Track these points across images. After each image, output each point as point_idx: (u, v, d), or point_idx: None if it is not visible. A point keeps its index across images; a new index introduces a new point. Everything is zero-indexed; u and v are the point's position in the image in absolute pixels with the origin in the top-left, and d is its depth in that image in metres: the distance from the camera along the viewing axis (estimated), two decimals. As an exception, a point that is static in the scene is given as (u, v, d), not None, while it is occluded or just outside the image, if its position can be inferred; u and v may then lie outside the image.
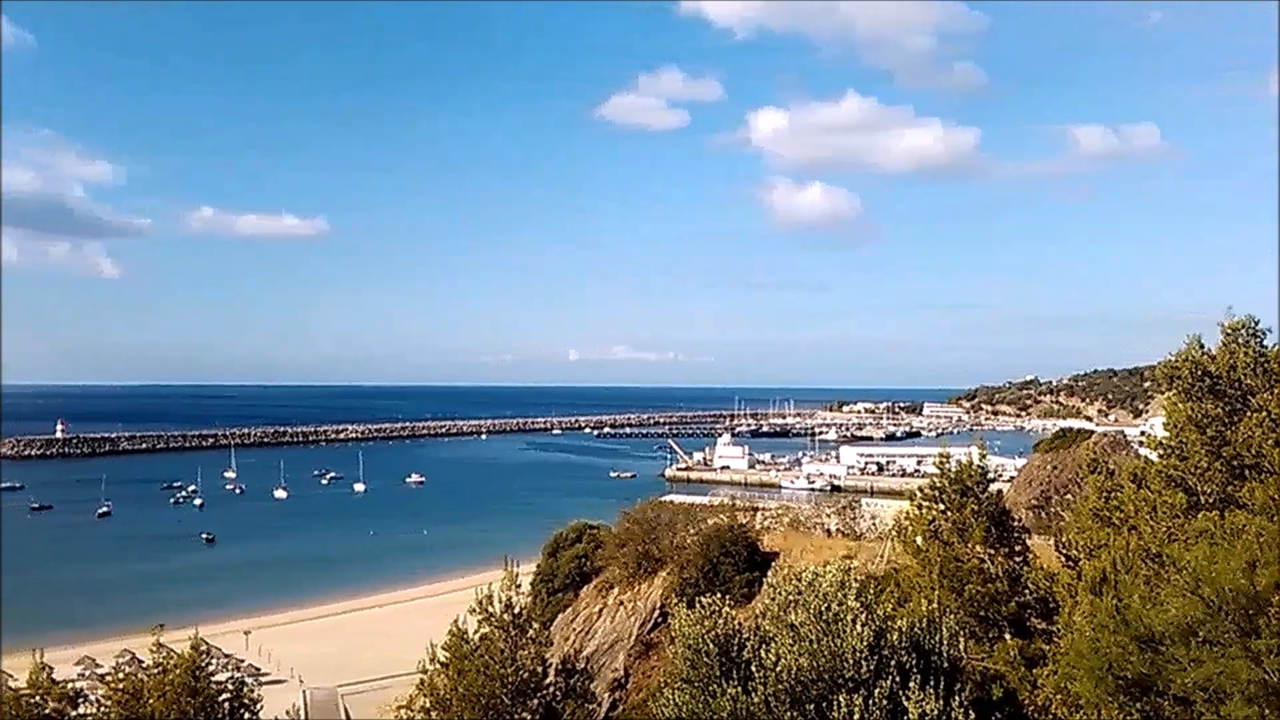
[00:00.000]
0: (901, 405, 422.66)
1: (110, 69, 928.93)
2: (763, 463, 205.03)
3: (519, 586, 21.80)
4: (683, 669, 15.28)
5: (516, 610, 20.84)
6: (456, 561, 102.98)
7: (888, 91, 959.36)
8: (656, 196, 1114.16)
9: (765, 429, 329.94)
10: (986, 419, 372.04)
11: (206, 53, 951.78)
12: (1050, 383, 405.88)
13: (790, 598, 16.09)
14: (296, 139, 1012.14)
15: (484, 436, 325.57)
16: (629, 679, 39.27)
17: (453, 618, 22.17)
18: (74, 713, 18.02)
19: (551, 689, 20.44)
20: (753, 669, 14.68)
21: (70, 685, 19.22)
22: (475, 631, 20.79)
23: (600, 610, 46.72)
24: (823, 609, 15.21)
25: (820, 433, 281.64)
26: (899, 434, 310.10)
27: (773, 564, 40.64)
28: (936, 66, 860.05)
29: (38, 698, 17.55)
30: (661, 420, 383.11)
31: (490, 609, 20.63)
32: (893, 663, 14.65)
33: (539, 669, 20.21)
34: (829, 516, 50.45)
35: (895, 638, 15.08)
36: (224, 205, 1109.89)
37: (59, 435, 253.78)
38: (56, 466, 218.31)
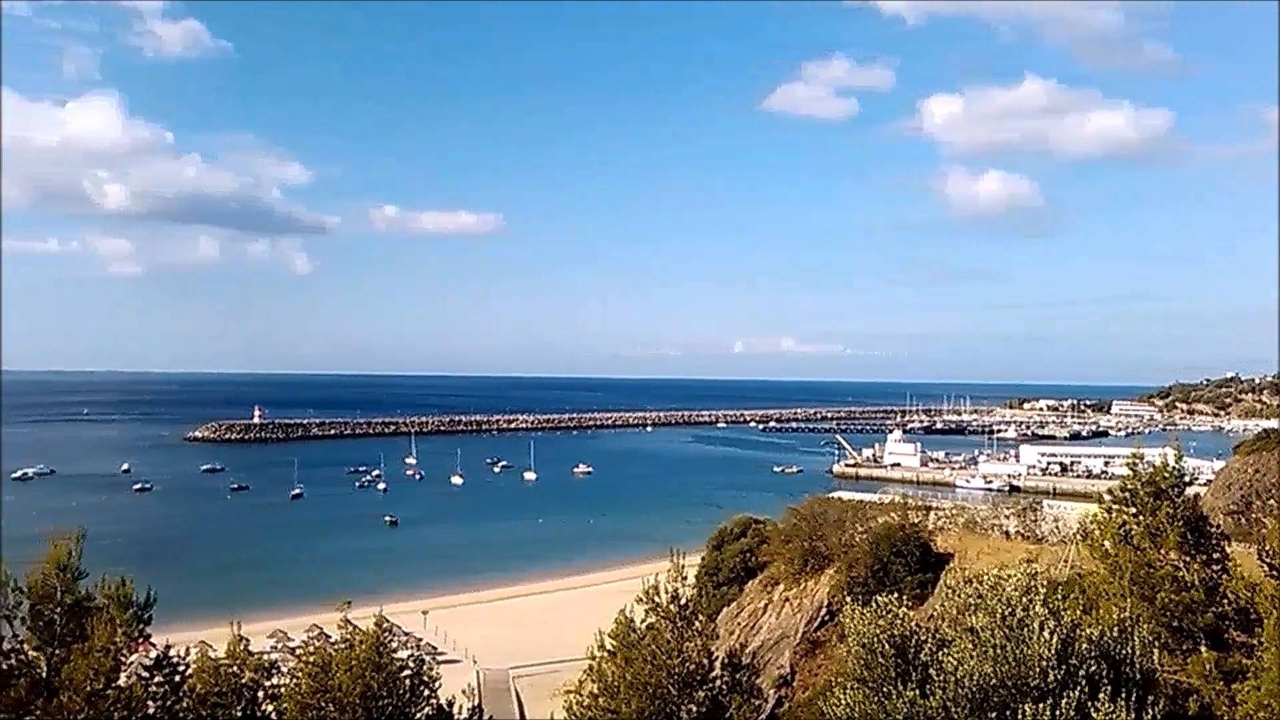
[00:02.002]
0: (1087, 403, 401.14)
1: (303, 75, 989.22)
2: (936, 461, 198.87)
3: (685, 578, 21.74)
4: (855, 669, 14.84)
5: (683, 602, 20.78)
6: (621, 551, 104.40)
7: (1070, 73, 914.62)
8: (825, 187, 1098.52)
9: (939, 426, 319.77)
10: (1181, 418, 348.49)
11: (390, 59, 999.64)
12: (1252, 380, 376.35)
13: (970, 601, 15.42)
14: (473, 138, 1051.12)
15: (649, 429, 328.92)
16: (795, 676, 38.75)
17: (618, 606, 22.32)
18: (268, 683, 19.07)
19: (717, 682, 20.29)
20: (930, 672, 14.13)
21: (264, 657, 20.37)
22: (642, 621, 20.85)
23: (765, 606, 46.30)
24: (1006, 613, 14.49)
25: (998, 430, 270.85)
26: (1084, 433, 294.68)
27: (947, 566, 39.29)
28: (1123, 45, 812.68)
29: (235, 667, 18.66)
30: (829, 415, 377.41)
31: (657, 599, 20.64)
32: (1081, 672, 13.86)
33: (705, 661, 20.09)
34: (1007, 518, 48.27)
35: (1084, 646, 14.24)
36: (406, 203, 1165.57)
37: (256, 421, 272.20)
38: (253, 450, 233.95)
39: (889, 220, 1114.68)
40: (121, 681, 15.87)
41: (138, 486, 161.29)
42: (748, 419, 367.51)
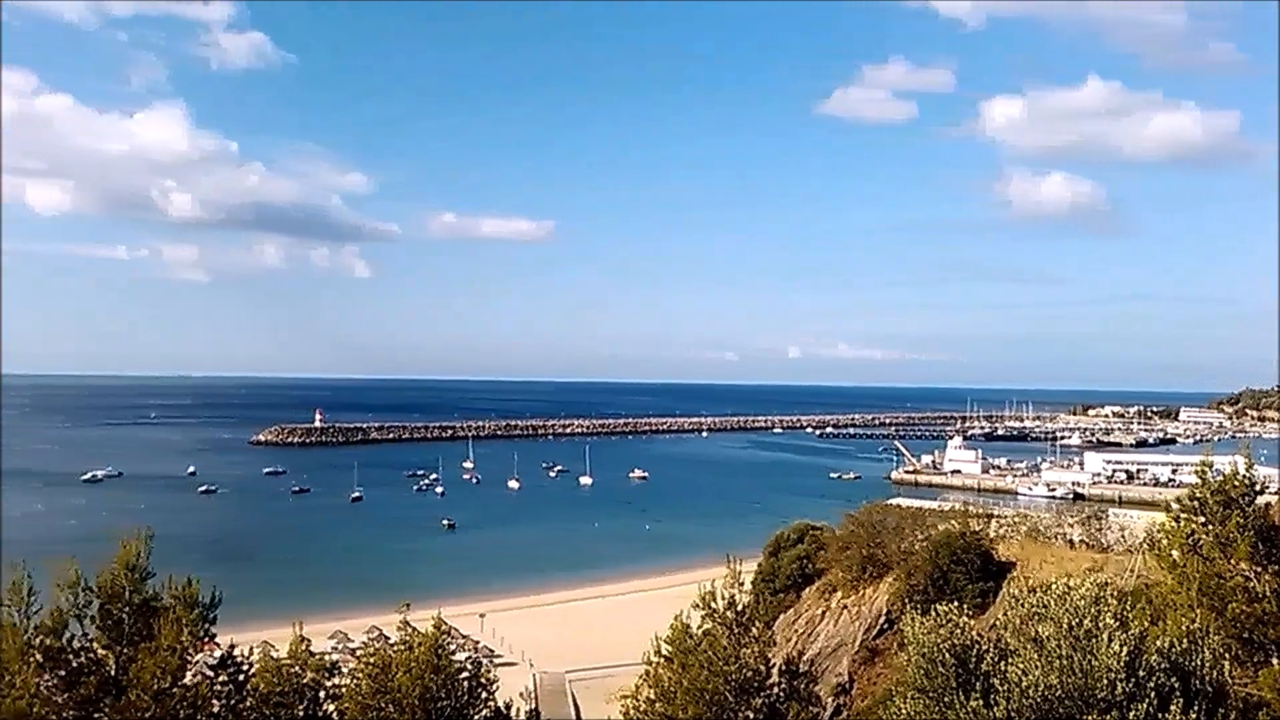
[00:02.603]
0: (1154, 409, 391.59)
1: (363, 85, 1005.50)
2: (997, 467, 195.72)
3: (741, 584, 21.60)
4: (916, 678, 14.59)
5: (739, 608, 20.65)
6: (676, 556, 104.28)
7: (1134, 74, 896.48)
8: (883, 190, 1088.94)
9: (1000, 432, 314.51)
10: (1252, 425, 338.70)
11: (447, 68, 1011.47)
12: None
13: (1035, 610, 15.08)
14: (529, 144, 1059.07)
15: (705, 434, 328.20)
16: (853, 685, 38.32)
17: (674, 612, 22.25)
18: (329, 683, 19.31)
19: (775, 689, 20.11)
20: (993, 682, 13.84)
21: (325, 657, 20.63)
22: (698, 627, 20.76)
23: (823, 613, 45.87)
24: (1073, 623, 14.16)
25: (1062, 437, 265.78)
26: (1151, 440, 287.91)
27: (1009, 574, 38.62)
28: (1189, 46, 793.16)
29: (297, 667, 18.92)
30: (887, 421, 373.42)
31: (713, 605, 20.53)
32: (1150, 684, 13.48)
33: (762, 668, 19.93)
34: (1071, 526, 47.29)
35: (1152, 657, 13.85)
36: (464, 210, 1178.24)
37: (317, 424, 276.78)
38: (315, 453, 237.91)
39: (947, 223, 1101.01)
40: (187, 680, 16.17)
41: (203, 488, 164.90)
42: (804, 424, 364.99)
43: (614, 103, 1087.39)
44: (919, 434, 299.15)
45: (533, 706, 23.04)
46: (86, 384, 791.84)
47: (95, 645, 16.44)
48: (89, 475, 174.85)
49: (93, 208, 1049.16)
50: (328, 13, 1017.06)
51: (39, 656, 15.53)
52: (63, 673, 15.64)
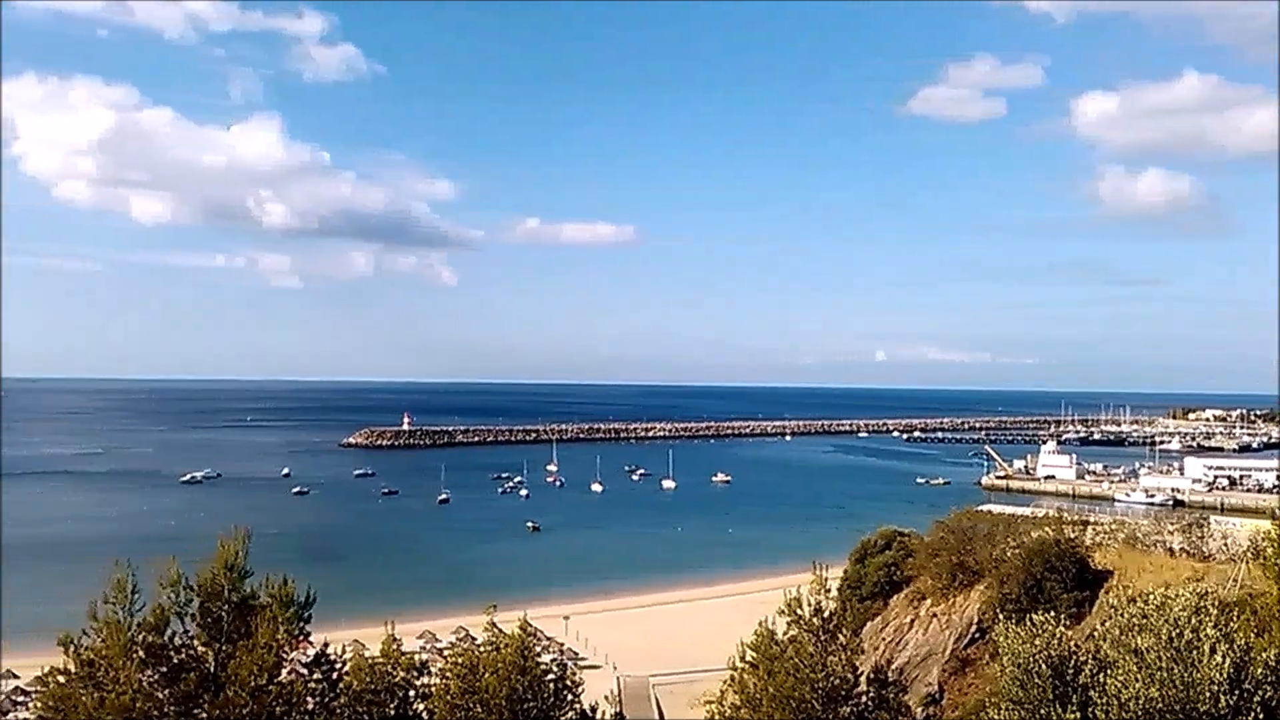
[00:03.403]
0: (1258, 413, 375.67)
1: (449, 96, 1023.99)
2: (1093, 473, 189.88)
3: (827, 590, 21.32)
4: (1010, 689, 14.22)
5: (826, 614, 20.39)
6: (760, 561, 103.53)
7: (1234, 68, 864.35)
8: (971, 190, 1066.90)
9: (1096, 436, 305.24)
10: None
11: (529, 77, 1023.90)
12: None
13: (1134, 621, 14.58)
14: (610, 151, 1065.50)
15: (788, 438, 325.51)
16: (944, 695, 37.55)
17: (757, 617, 22.07)
18: (419, 682, 19.60)
19: (863, 698, 19.80)
20: (1091, 695, 13.42)
21: (414, 656, 20.94)
22: (784, 633, 20.55)
23: (911, 621, 45.05)
24: (1174, 635, 13.65)
25: (1161, 442, 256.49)
26: (1255, 445, 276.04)
27: (1106, 583, 37.47)
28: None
29: (389, 666, 19.26)
30: (977, 425, 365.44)
31: (799, 611, 20.31)
32: (1256, 698, 12.93)
33: (850, 676, 19.64)
34: (1171, 534, 45.60)
35: (1258, 671, 13.28)
36: (547, 216, 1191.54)
37: (405, 427, 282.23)
38: (402, 456, 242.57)
39: (1038, 222, 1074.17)
40: (283, 677, 16.57)
41: (296, 490, 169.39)
42: (890, 428, 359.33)
43: (696, 105, 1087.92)
44: (1010, 438, 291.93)
45: (617, 710, 23.09)
46: (185, 388, 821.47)
47: (195, 642, 16.96)
48: (188, 476, 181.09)
49: (192, 218, 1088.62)
50: (415, 24, 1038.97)
51: (142, 653, 16.08)
52: (164, 669, 16.17)
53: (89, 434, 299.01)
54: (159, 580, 16.81)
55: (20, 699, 58.88)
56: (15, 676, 61.59)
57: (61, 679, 15.90)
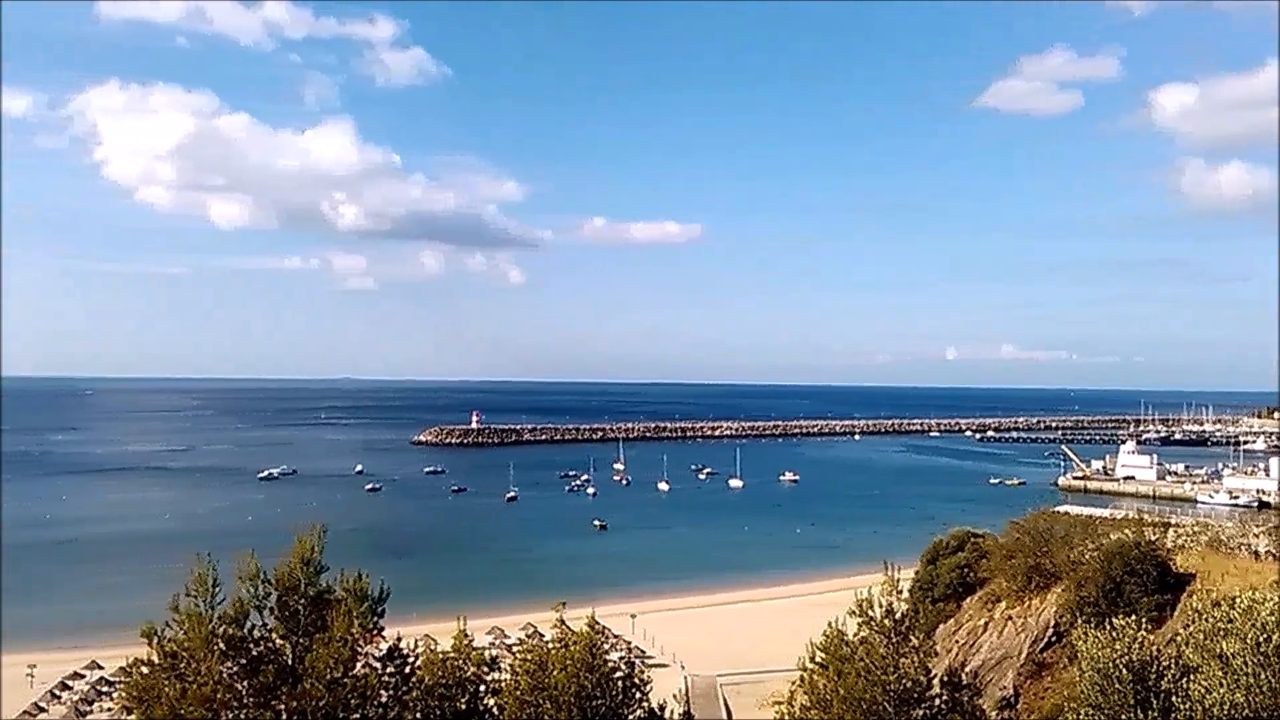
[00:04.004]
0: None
1: (517, 98, 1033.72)
2: (1175, 474, 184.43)
3: (900, 592, 21.04)
4: (1089, 694, 13.88)
5: (898, 616, 20.11)
6: (828, 562, 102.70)
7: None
8: (1046, 184, 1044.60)
9: (1177, 436, 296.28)
10: None
11: (594, 78, 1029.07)
12: None
13: (1218, 625, 14.14)
14: (677, 150, 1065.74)
15: (857, 437, 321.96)
16: (1019, 699, 36.82)
17: (826, 618, 21.86)
18: (489, 677, 19.79)
19: (936, 701, 19.50)
20: (1173, 700, 13.04)
21: (485, 652, 21.12)
22: (854, 634, 20.32)
23: (986, 624, 44.23)
24: (1260, 640, 13.20)
25: (1245, 441, 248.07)
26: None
27: (1188, 587, 36.41)
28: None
29: (460, 661, 19.49)
30: (1053, 424, 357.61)
31: (870, 613, 20.07)
32: (1350, 708, 12.43)
33: (922, 679, 19.35)
34: (1257, 537, 44.11)
35: (1353, 680, 12.76)
36: (614, 215, 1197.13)
37: (474, 426, 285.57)
38: (472, 453, 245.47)
39: (1117, 217, 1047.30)
40: (357, 670, 16.88)
41: (369, 486, 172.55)
42: (963, 428, 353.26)
43: (762, 103, 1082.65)
44: (1088, 438, 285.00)
45: (685, 709, 23.03)
46: (262, 388, 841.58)
47: (274, 635, 17.35)
48: (265, 473, 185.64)
49: (268, 221, 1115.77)
50: (483, 27, 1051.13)
51: (222, 645, 16.50)
52: (244, 661, 16.58)
53: (174, 433, 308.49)
54: (238, 574, 17.24)
55: (105, 689, 60.97)
56: (100, 667, 63.75)
57: (145, 670, 16.37)
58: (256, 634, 17.08)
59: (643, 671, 20.96)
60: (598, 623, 21.72)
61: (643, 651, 69.33)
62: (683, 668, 65.34)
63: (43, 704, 60.22)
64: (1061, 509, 65.59)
